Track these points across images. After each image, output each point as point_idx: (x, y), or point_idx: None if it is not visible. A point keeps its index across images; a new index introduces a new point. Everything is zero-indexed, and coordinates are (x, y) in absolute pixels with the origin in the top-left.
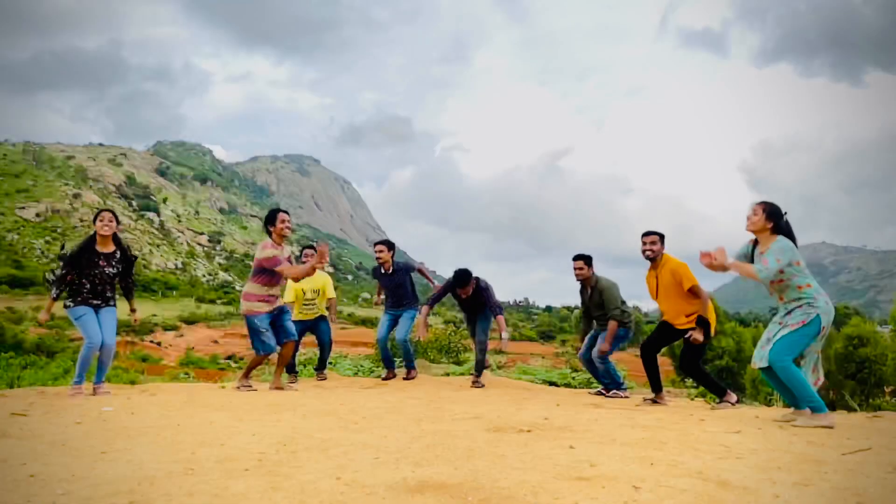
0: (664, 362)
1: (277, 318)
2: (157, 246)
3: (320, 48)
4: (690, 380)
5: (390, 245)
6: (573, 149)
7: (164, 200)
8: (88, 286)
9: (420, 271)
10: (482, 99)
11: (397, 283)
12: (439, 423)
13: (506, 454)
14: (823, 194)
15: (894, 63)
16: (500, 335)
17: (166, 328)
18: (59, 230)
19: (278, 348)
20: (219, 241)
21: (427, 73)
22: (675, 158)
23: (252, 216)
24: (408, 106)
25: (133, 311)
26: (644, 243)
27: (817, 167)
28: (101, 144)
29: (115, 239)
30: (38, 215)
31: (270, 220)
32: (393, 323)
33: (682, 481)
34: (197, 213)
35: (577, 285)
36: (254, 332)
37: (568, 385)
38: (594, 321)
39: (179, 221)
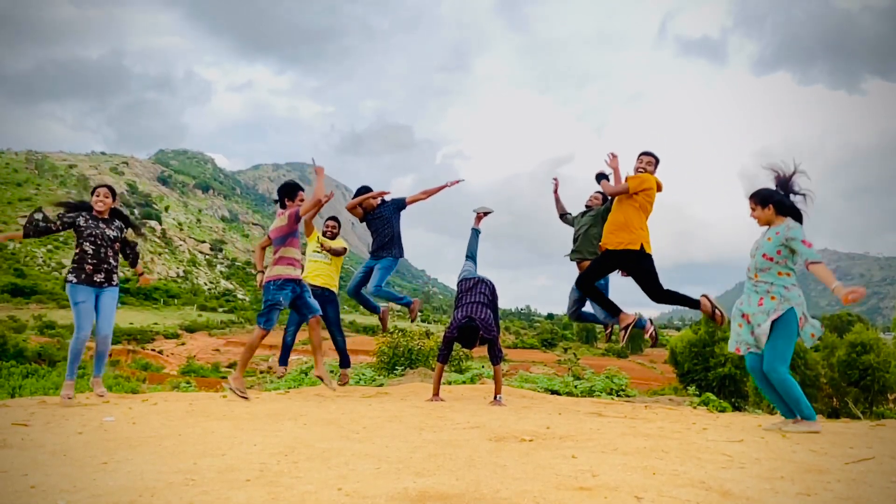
0: (666, 369)
1: (300, 296)
2: (159, 254)
3: (321, 57)
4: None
5: (367, 191)
6: (574, 156)
7: (166, 209)
8: (91, 251)
9: (411, 201)
10: (483, 106)
11: (385, 218)
12: (440, 433)
13: (507, 464)
14: (825, 201)
15: (892, 70)
16: (495, 395)
17: (168, 336)
18: (60, 239)
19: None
20: (220, 250)
21: (427, 81)
22: (676, 165)
23: (254, 224)
24: (408, 114)
25: (140, 274)
26: (640, 161)
27: (818, 174)
28: (102, 153)
29: (114, 212)
30: None
31: (290, 193)
32: (365, 278)
33: (685, 491)
34: (198, 221)
35: None
36: (269, 304)
37: (570, 394)
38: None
39: (181, 230)
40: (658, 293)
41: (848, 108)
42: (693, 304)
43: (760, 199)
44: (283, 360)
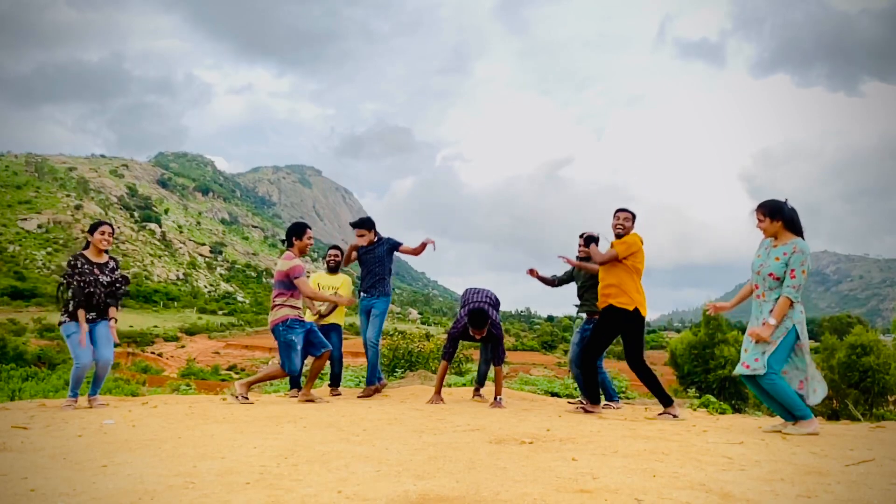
0: (666, 371)
1: (310, 331)
2: (159, 257)
3: (321, 59)
4: (693, 390)
5: (369, 225)
6: (573, 158)
7: (166, 211)
8: (84, 298)
9: (402, 251)
10: (482, 109)
11: (377, 257)
12: (441, 435)
13: (507, 466)
14: (824, 202)
15: (891, 73)
16: (495, 396)
17: (167, 339)
18: (60, 241)
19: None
20: (220, 252)
21: (427, 84)
22: (676, 167)
23: (254, 227)
24: (408, 116)
25: (113, 319)
26: (617, 219)
27: (818, 175)
28: (102, 156)
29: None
30: (39, 227)
31: (298, 233)
32: (369, 317)
33: (685, 493)
34: (198, 223)
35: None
36: (285, 347)
37: (570, 396)
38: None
39: (181, 232)
40: (638, 362)
41: (847, 110)
42: (664, 401)
43: (769, 210)
44: (296, 385)
